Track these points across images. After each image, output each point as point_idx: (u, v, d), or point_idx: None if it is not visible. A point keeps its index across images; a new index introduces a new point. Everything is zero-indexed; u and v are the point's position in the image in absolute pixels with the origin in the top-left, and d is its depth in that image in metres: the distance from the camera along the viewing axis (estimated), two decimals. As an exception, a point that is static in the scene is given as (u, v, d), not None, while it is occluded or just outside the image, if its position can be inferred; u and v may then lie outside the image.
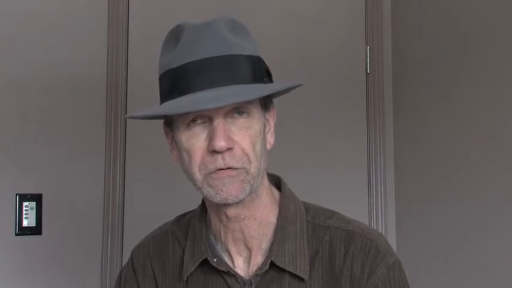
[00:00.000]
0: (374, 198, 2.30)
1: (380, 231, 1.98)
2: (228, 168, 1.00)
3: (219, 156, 0.99)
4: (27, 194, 1.98)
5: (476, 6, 1.90)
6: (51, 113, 2.04)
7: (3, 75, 1.99)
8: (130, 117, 1.09)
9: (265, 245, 1.09)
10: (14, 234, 1.96)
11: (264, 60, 1.09)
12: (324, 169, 2.27)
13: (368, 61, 2.34)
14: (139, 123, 2.14)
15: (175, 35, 1.06)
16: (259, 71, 1.05)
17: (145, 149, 2.14)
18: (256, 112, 1.03)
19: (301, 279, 1.06)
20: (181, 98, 0.99)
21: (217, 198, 1.01)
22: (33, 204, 1.98)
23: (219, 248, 1.11)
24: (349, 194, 2.27)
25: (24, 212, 1.97)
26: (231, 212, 1.05)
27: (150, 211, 2.10)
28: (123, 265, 2.08)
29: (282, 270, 1.06)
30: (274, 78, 1.10)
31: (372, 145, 2.32)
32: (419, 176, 2.18)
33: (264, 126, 1.06)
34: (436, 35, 2.11)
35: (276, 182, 1.15)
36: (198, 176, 1.02)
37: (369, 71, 2.34)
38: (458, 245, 1.94)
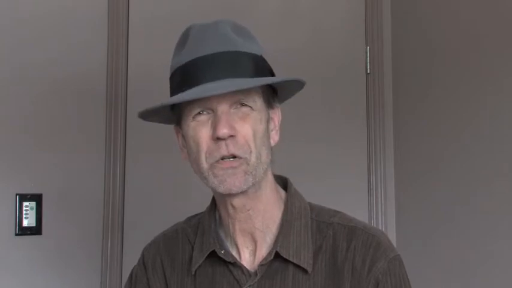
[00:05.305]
0: (374, 198, 2.30)
1: (380, 231, 1.98)
2: (232, 155, 1.05)
3: (223, 143, 1.04)
4: (27, 194, 1.98)
5: (477, 6, 1.90)
6: (51, 113, 2.04)
7: (3, 75, 1.99)
8: (141, 114, 1.12)
9: (269, 238, 1.13)
10: (14, 234, 1.96)
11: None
12: (323, 169, 2.27)
13: (368, 61, 2.34)
14: (139, 123, 2.14)
15: (183, 38, 1.12)
16: (262, 69, 1.10)
17: (145, 148, 2.14)
18: (259, 105, 1.08)
19: (305, 271, 1.10)
20: (189, 90, 1.05)
21: (222, 188, 1.06)
22: (33, 204, 1.98)
23: (227, 242, 1.15)
24: (349, 194, 2.27)
25: (24, 212, 1.97)
26: (236, 202, 1.10)
27: (150, 211, 2.11)
28: (123, 265, 2.10)
29: (286, 262, 1.10)
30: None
31: (372, 145, 2.32)
32: (419, 176, 2.18)
33: (267, 122, 1.11)
34: (436, 34, 2.11)
35: (283, 182, 1.19)
36: (204, 164, 1.06)
37: (369, 71, 2.34)
38: (458, 245, 1.94)
